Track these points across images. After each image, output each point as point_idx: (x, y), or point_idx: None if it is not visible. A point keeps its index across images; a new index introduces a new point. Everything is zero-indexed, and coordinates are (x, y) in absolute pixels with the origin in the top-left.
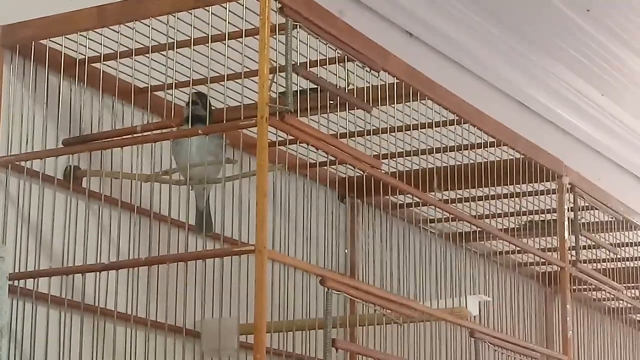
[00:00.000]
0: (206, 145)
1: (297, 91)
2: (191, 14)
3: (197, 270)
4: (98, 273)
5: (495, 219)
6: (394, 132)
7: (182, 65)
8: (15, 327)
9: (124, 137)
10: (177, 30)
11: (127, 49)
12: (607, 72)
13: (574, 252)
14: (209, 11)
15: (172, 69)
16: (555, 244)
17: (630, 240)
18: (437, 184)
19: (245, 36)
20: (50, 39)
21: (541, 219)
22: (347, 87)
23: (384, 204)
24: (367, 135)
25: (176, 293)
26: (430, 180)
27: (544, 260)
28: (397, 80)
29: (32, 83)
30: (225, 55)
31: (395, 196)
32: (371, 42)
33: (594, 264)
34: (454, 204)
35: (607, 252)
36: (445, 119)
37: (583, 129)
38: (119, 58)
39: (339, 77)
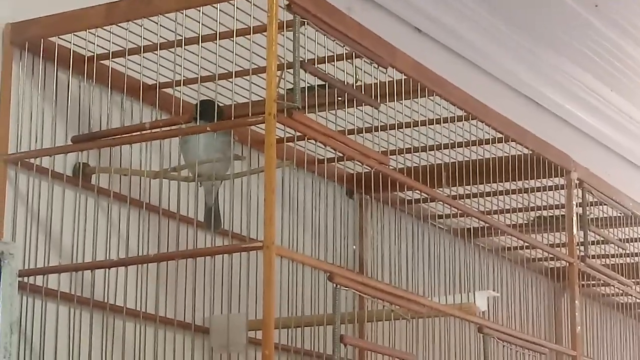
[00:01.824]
0: (214, 142)
1: (304, 88)
2: (199, 11)
3: (206, 266)
4: (107, 269)
5: (503, 214)
6: (402, 128)
7: (190, 62)
8: (25, 323)
9: (133, 134)
10: (185, 27)
11: (135, 46)
12: (616, 67)
13: (582, 248)
14: (216, 8)
15: (181, 66)
16: (563, 240)
17: (639, 236)
18: (445, 180)
19: (253, 33)
20: (59, 36)
21: (550, 214)
22: (355, 83)
23: (392, 200)
24: (375, 131)
25: (185, 289)
26: (439, 176)
27: (552, 256)
28: (405, 77)
29: (41, 80)
30: (233, 52)
31: (404, 192)
32: (379, 39)
33: (603, 260)
34: (463, 200)
35: (616, 247)
36: (453, 115)
37: (592, 125)
38: (128, 55)
39: (346, 73)
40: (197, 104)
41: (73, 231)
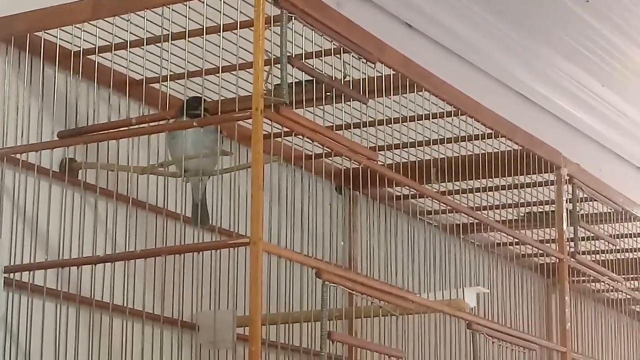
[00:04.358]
0: (202, 139)
1: (292, 83)
2: (186, 5)
3: (193, 262)
4: (94, 265)
5: (493, 210)
6: (391, 123)
7: (177, 57)
8: (11, 320)
9: (120, 129)
10: (172, 22)
11: (122, 40)
12: (607, 62)
13: (572, 244)
14: (203, 3)
15: (167, 61)
16: (554, 236)
17: (629, 232)
18: (434, 176)
19: (240, 28)
20: (46, 31)
21: (540, 210)
22: (343, 78)
23: (381, 195)
24: (363, 127)
25: (172, 285)
26: (428, 171)
27: (542, 252)
28: (394, 72)
29: (27, 75)
30: (220, 47)
31: (393, 188)
32: (367, 34)
33: (593, 256)
34: (452, 196)
35: (606, 243)
36: (443, 111)
37: (583, 120)
38: (114, 50)
39: (334, 68)
40: (184, 101)
41: (59, 227)
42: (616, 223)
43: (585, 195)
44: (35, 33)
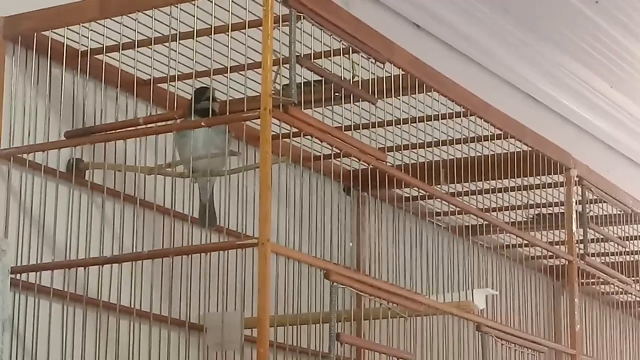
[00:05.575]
0: (211, 139)
1: (301, 83)
2: (194, 4)
3: (201, 263)
4: (101, 266)
5: (502, 212)
6: (400, 124)
7: (185, 56)
8: (18, 321)
9: (127, 129)
10: (180, 21)
11: (129, 40)
12: (616, 64)
13: (582, 246)
14: (212, 2)
15: (175, 61)
16: (563, 237)
17: (639, 234)
18: (443, 177)
19: (248, 27)
20: (53, 30)
21: (549, 212)
22: (352, 78)
23: (390, 196)
24: (372, 127)
25: (180, 286)
26: (437, 173)
27: (551, 254)
28: (403, 72)
29: (34, 75)
30: (228, 47)
31: (402, 189)
32: (376, 34)
33: (602, 258)
34: (461, 197)
35: (616, 245)
36: (452, 111)
37: (592, 122)
38: (122, 50)
39: (343, 68)
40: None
41: (66, 227)
42: (626, 225)
43: (595, 197)
44: (42, 32)
